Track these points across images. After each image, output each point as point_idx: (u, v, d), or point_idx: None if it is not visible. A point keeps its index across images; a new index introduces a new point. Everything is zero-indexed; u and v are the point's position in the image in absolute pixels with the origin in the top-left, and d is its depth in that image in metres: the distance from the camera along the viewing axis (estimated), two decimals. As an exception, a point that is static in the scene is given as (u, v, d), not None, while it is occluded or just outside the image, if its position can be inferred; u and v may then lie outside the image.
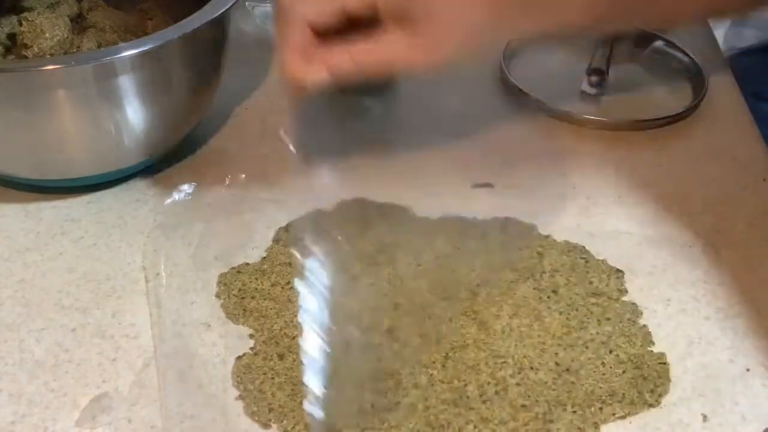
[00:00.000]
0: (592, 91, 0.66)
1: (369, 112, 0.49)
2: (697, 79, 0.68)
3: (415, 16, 0.42)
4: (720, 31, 1.03)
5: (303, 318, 0.46)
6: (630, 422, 0.43)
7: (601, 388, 0.44)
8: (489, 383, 0.44)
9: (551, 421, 0.42)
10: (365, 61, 0.44)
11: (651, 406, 0.43)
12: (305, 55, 0.44)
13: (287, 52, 0.45)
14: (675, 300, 0.50)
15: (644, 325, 0.48)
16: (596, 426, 0.42)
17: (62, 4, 0.62)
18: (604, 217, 0.56)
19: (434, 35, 0.42)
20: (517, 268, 0.51)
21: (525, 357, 0.46)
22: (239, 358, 0.45)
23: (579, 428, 0.42)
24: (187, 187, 0.56)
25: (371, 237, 0.53)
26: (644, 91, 0.69)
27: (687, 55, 0.70)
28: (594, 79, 0.66)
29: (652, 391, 0.44)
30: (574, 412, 0.43)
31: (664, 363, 0.46)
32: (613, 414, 0.43)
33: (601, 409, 0.43)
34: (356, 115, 0.49)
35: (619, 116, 0.64)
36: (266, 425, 0.42)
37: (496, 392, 0.44)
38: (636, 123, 0.64)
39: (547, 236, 0.54)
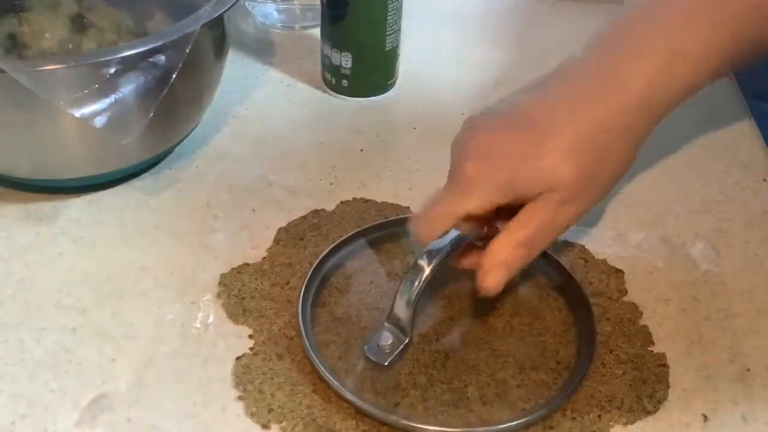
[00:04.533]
0: None
1: None
2: None
3: (544, 190, 0.43)
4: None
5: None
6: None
7: (600, 392, 0.44)
8: (489, 384, 0.44)
9: (551, 428, 0.42)
10: (534, 241, 0.44)
11: (649, 413, 0.43)
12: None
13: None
14: (675, 300, 0.50)
15: (644, 325, 0.48)
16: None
17: (62, 4, 0.62)
18: (604, 217, 0.56)
19: (568, 191, 0.43)
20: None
21: (526, 356, 0.46)
22: (239, 358, 0.45)
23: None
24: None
25: (370, 236, 0.53)
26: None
27: None
28: None
29: (651, 396, 0.44)
30: (573, 418, 0.43)
31: (664, 365, 0.46)
32: (612, 422, 0.43)
33: (599, 416, 0.43)
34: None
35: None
36: (266, 426, 0.42)
37: (497, 394, 0.44)
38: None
39: (547, 236, 0.54)
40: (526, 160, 0.43)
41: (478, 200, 0.43)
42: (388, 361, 0.44)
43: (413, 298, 0.43)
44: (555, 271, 0.50)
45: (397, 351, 0.44)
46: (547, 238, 0.45)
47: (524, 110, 0.45)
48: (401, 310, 0.44)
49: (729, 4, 0.45)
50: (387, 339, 0.44)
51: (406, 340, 0.45)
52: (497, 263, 0.43)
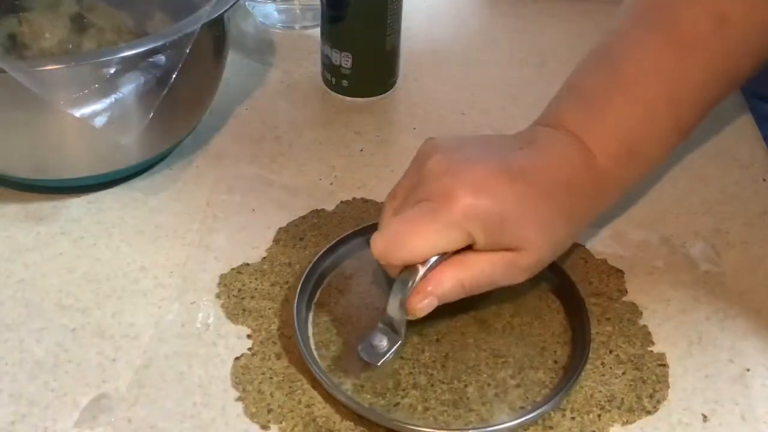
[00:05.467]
0: None
1: None
2: None
3: (512, 246, 0.44)
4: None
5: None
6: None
7: (600, 392, 0.44)
8: (489, 384, 0.44)
9: (551, 428, 0.42)
10: (473, 285, 0.44)
11: (649, 413, 0.43)
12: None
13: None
14: (675, 300, 0.50)
15: (644, 325, 0.48)
16: (595, 433, 0.42)
17: (62, 4, 0.62)
18: (604, 217, 0.56)
19: (530, 257, 0.44)
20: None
21: (525, 356, 0.46)
22: (237, 358, 0.45)
23: (578, 434, 0.42)
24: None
25: (369, 236, 0.53)
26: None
27: None
28: None
29: (650, 396, 0.44)
30: (573, 418, 0.43)
31: (664, 364, 0.46)
32: (612, 422, 0.43)
33: (599, 416, 0.43)
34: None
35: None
36: (265, 426, 0.42)
37: (496, 394, 0.44)
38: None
39: (547, 236, 0.54)
40: (524, 216, 0.43)
41: (464, 239, 0.42)
42: (381, 362, 0.44)
43: (406, 299, 0.43)
44: (552, 272, 0.49)
45: (391, 352, 0.44)
46: (487, 288, 0.45)
47: (518, 165, 0.45)
48: (394, 311, 0.44)
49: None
50: (380, 340, 0.44)
51: (399, 341, 0.44)
52: (438, 294, 0.43)
